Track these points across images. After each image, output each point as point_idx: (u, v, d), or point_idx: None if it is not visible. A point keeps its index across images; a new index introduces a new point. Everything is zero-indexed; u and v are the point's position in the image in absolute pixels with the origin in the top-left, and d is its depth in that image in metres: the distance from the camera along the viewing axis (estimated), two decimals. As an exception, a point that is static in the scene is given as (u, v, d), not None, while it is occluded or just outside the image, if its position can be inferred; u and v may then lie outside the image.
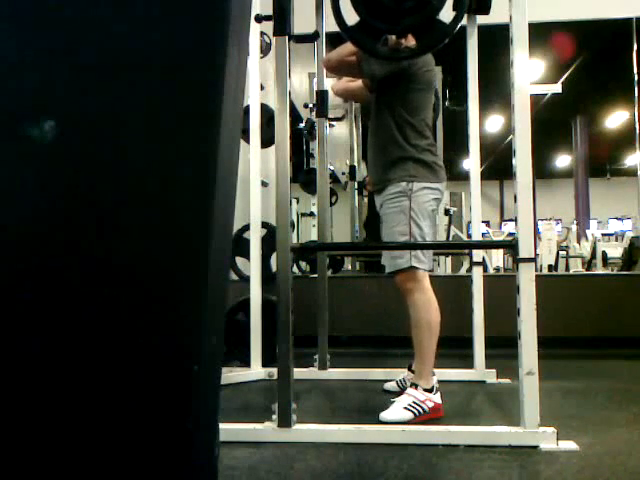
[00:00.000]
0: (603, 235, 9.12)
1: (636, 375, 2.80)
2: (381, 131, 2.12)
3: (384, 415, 1.91)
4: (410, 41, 1.89)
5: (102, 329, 0.64)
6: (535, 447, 1.62)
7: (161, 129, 0.65)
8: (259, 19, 2.41)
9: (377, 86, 2.14)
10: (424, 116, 2.11)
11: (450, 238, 5.73)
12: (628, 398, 2.27)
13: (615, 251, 7.46)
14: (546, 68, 8.23)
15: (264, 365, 2.66)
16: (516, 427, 1.69)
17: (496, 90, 5.15)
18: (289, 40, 1.81)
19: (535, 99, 8.03)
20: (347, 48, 2.10)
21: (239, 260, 3.06)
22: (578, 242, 9.26)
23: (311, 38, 2.23)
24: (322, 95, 2.80)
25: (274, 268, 2.60)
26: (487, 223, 11.72)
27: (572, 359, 3.21)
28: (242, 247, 2.85)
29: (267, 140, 2.83)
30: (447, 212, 5.67)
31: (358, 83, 2.31)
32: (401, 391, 2.12)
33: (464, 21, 2.67)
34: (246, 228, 2.81)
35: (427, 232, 2.06)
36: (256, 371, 2.65)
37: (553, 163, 15.16)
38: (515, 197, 1.69)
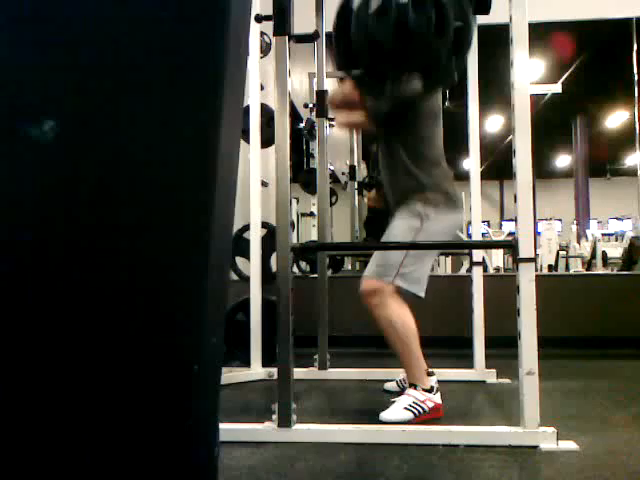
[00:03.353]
0: (603, 235, 9.13)
1: (636, 375, 2.79)
2: (395, 165, 2.07)
3: (384, 415, 1.91)
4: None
5: (102, 329, 0.64)
6: (535, 447, 1.62)
7: (161, 129, 0.65)
8: (259, 19, 2.40)
9: (384, 119, 2.09)
10: (436, 142, 2.08)
11: (450, 238, 5.72)
12: (628, 398, 2.27)
13: (615, 251, 7.47)
14: (546, 68, 8.24)
15: (264, 365, 2.66)
16: (516, 427, 1.68)
17: (496, 90, 5.15)
18: (289, 40, 1.81)
19: (535, 99, 8.04)
20: (349, 85, 2.08)
21: (239, 260, 3.06)
22: (578, 242, 9.26)
23: (311, 38, 2.22)
24: (322, 95, 2.80)
25: (274, 268, 2.60)
26: (487, 223, 11.72)
27: (572, 359, 3.21)
28: (242, 247, 2.85)
29: (267, 140, 2.83)
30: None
31: (361, 116, 2.27)
32: (401, 391, 2.12)
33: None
34: (246, 228, 2.81)
35: (426, 264, 2.01)
36: (256, 371, 2.65)
37: (553, 163, 15.17)
38: (515, 197, 1.69)
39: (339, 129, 2.68)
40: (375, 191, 4.67)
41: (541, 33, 5.86)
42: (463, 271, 6.08)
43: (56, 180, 0.64)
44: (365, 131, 3.28)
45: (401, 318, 1.97)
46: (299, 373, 2.50)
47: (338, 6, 1.77)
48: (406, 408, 1.92)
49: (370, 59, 1.75)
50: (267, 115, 2.90)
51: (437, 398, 1.98)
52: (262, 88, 2.91)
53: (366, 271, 2.06)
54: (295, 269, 4.76)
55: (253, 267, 2.71)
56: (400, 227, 2.04)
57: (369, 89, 1.93)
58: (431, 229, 1.99)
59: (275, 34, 1.80)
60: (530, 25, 1.68)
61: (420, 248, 2.04)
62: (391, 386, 2.39)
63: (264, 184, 3.01)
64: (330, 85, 2.94)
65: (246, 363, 2.69)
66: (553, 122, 10.26)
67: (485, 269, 4.73)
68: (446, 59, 1.71)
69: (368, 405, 2.22)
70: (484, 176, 3.38)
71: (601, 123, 11.69)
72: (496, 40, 2.74)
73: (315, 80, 2.93)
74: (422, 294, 2.01)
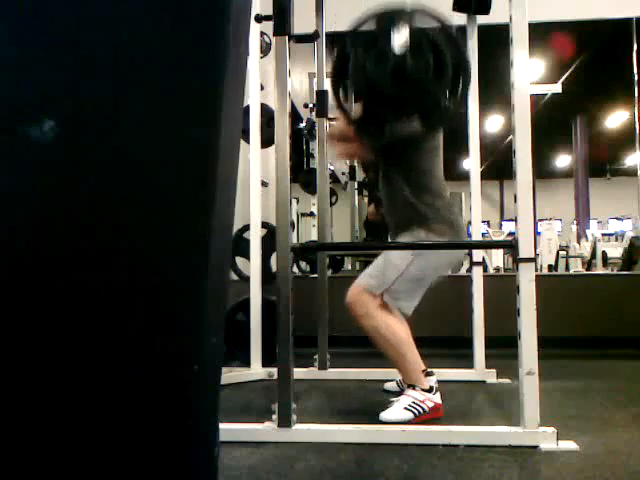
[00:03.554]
0: (603, 235, 9.13)
1: (636, 375, 2.79)
2: (395, 194, 2.05)
3: (384, 415, 1.91)
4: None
5: (102, 329, 0.64)
6: (535, 447, 1.62)
7: (161, 129, 0.65)
8: (259, 19, 2.40)
9: (383, 151, 2.09)
10: (437, 174, 2.06)
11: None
12: (628, 398, 2.27)
13: (615, 251, 7.46)
14: (546, 68, 8.24)
15: (264, 365, 2.66)
16: (516, 427, 1.69)
17: (496, 90, 5.14)
18: (289, 40, 1.81)
19: (535, 99, 8.04)
20: (343, 121, 2.07)
21: (239, 260, 3.06)
22: (578, 242, 9.26)
23: (311, 38, 2.23)
24: (322, 95, 2.80)
25: (274, 268, 2.60)
26: (487, 223, 11.72)
27: (572, 359, 3.21)
28: (242, 247, 2.85)
29: (267, 140, 2.83)
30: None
31: (359, 148, 2.22)
32: (401, 391, 2.12)
33: (464, 21, 2.67)
34: (246, 228, 2.81)
35: (418, 290, 2.01)
36: (256, 371, 2.65)
37: (553, 163, 15.17)
38: (515, 197, 1.69)
39: (339, 159, 2.71)
40: (374, 206, 4.70)
41: (541, 33, 5.86)
42: (463, 271, 6.07)
43: (56, 180, 0.64)
44: (364, 161, 3.32)
45: (388, 326, 1.96)
46: (299, 373, 2.50)
47: (336, 50, 1.78)
48: (406, 408, 1.92)
49: (369, 104, 1.76)
50: (267, 115, 2.90)
51: (437, 398, 1.98)
52: (262, 88, 2.91)
53: (356, 281, 2.06)
54: (295, 269, 4.76)
55: (253, 267, 2.71)
56: (400, 252, 2.02)
57: (368, 133, 1.94)
58: (432, 257, 1.99)
59: (275, 34, 1.80)
60: (530, 25, 1.68)
61: (421, 248, 2.04)
62: (391, 386, 2.39)
63: (264, 184, 3.01)
64: (330, 85, 2.94)
65: (246, 363, 2.69)
66: (553, 122, 10.26)
67: (485, 269, 4.74)
68: (445, 101, 1.71)
69: (368, 405, 2.22)
70: (484, 176, 3.38)
71: (601, 123, 11.69)
72: (496, 40, 2.74)
73: (315, 80, 2.93)
74: (409, 312, 2.02)
